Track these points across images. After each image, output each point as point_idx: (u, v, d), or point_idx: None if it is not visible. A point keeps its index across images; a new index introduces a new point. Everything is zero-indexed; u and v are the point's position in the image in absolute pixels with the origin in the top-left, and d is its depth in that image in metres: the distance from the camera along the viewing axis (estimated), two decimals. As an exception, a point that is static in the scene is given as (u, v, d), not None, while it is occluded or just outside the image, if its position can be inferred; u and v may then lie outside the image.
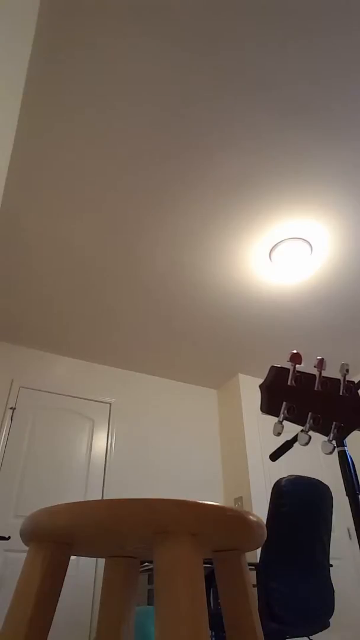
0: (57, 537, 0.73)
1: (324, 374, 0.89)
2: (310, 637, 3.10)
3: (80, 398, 3.83)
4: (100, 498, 3.42)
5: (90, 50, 1.85)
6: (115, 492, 3.48)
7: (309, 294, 3.23)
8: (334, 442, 0.83)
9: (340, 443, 0.84)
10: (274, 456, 1.12)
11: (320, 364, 0.89)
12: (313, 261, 2.91)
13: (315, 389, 0.88)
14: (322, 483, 1.98)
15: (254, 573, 2.60)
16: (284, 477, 1.89)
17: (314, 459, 4.01)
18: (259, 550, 2.95)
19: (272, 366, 0.89)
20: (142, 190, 2.46)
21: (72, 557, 2.88)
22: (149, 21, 1.76)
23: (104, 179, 2.39)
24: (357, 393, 0.88)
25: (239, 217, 2.61)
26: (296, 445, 3.93)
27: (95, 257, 2.91)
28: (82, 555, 0.90)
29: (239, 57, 1.87)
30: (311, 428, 0.84)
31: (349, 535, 3.68)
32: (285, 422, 0.88)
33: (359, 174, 2.35)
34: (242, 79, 1.95)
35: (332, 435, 0.83)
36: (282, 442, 1.05)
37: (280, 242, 2.77)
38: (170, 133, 2.16)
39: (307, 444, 0.82)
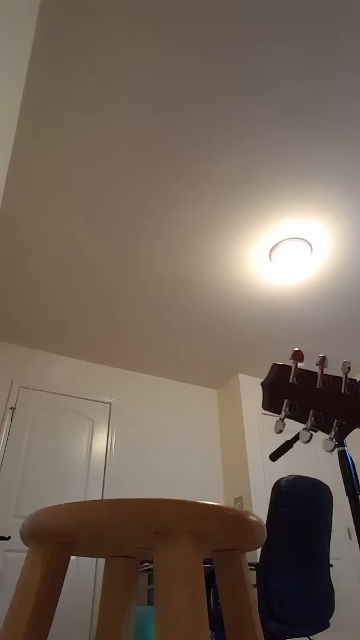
0: (57, 537, 0.73)
1: (326, 372, 0.89)
2: (310, 637, 3.09)
3: (80, 398, 3.82)
4: (100, 498, 3.41)
5: (90, 51, 1.85)
6: (115, 492, 3.48)
7: (309, 293, 3.23)
8: (335, 440, 0.83)
9: (341, 441, 0.84)
10: (274, 456, 1.12)
11: (322, 361, 0.88)
12: (313, 261, 2.91)
13: (317, 386, 0.87)
14: (322, 483, 1.98)
15: (254, 573, 2.59)
16: (284, 477, 1.88)
17: (314, 459, 4.01)
18: (259, 550, 2.94)
19: (274, 364, 0.89)
20: (142, 191, 2.45)
21: (72, 557, 2.88)
22: (149, 22, 1.76)
23: (104, 179, 2.39)
24: (359, 391, 0.87)
25: (239, 217, 2.61)
26: (296, 445, 3.92)
27: (96, 257, 2.90)
28: (82, 555, 0.90)
29: (239, 57, 1.87)
30: (313, 425, 0.84)
31: (349, 535, 3.67)
32: (285, 423, 0.87)
33: (359, 174, 2.35)
34: (243, 79, 1.95)
35: (333, 433, 0.83)
36: (282, 442, 1.04)
37: (280, 242, 2.77)
38: (171, 133, 2.16)
39: (308, 441, 0.82)
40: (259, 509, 3.49)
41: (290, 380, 0.88)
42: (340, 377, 0.89)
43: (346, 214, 2.57)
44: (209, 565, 2.37)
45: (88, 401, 3.85)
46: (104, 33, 1.80)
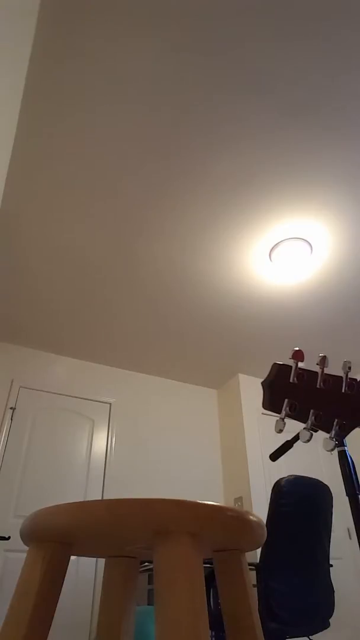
0: (57, 537, 0.73)
1: (326, 371, 0.89)
2: (310, 637, 3.09)
3: (80, 398, 3.82)
4: (100, 498, 3.41)
5: (89, 51, 1.85)
6: (115, 492, 3.48)
7: (309, 293, 3.23)
8: (335, 439, 0.83)
9: (342, 441, 0.84)
10: (274, 456, 1.12)
11: (323, 361, 0.88)
12: (313, 261, 2.91)
13: (318, 386, 0.87)
14: (322, 483, 1.98)
15: (254, 573, 2.59)
16: (283, 477, 1.88)
17: (314, 459, 4.01)
18: (259, 550, 2.94)
19: (275, 363, 0.89)
20: (142, 191, 2.45)
21: (72, 557, 2.87)
22: (149, 22, 1.76)
23: (103, 180, 2.39)
24: None
25: (239, 217, 2.61)
26: (296, 445, 3.93)
27: (95, 257, 2.90)
28: (82, 555, 0.90)
29: (239, 56, 1.86)
30: (313, 425, 0.84)
31: (349, 535, 3.67)
32: (285, 422, 0.87)
33: (359, 174, 2.35)
34: (242, 79, 1.94)
35: (333, 432, 0.83)
36: (282, 442, 1.04)
37: (280, 242, 2.77)
38: (170, 133, 2.16)
39: (308, 441, 0.82)
40: (259, 509, 3.49)
41: (291, 380, 0.88)
42: (341, 377, 0.88)
43: (346, 214, 2.57)
44: (209, 565, 2.37)
45: (88, 401, 3.84)
46: (103, 32, 1.80)
